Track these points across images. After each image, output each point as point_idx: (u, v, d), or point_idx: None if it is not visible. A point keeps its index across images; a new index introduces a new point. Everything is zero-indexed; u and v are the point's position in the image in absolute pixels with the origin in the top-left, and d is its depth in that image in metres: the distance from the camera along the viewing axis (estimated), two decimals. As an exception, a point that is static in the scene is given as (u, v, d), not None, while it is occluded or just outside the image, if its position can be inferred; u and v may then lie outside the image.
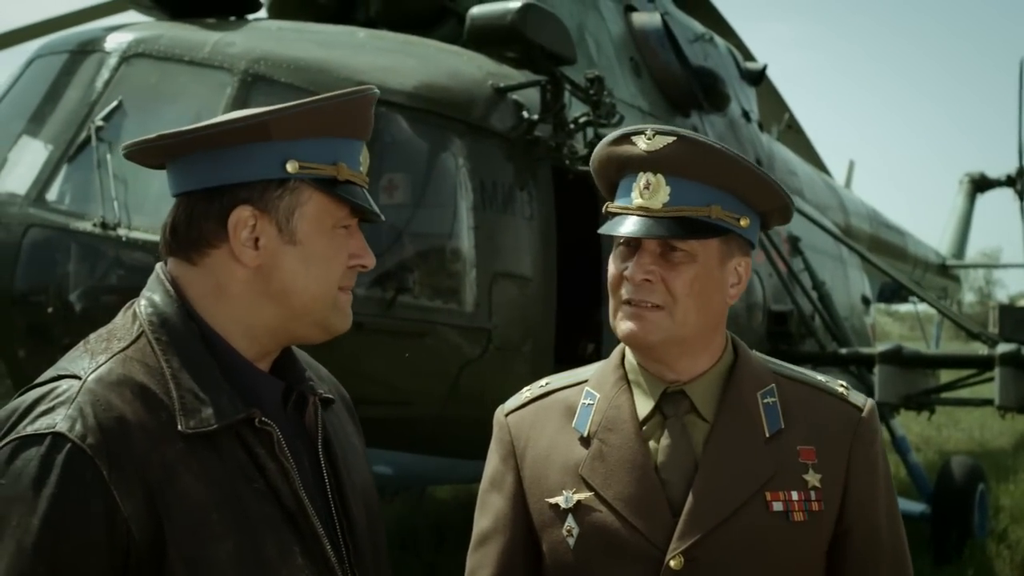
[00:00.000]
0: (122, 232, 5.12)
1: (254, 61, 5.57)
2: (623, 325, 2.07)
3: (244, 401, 1.73)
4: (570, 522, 2.08)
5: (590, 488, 2.08)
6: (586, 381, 2.23)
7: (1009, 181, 22.30)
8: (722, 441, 2.08)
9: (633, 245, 2.07)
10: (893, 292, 16.64)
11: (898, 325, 43.93)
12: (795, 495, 2.06)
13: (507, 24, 6.35)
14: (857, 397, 2.21)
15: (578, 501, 2.08)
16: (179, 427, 1.66)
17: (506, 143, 6.35)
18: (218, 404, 1.70)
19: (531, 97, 6.54)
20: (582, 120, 6.66)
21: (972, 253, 32.39)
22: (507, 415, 2.26)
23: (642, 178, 2.07)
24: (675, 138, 2.05)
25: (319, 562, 1.74)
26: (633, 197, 2.07)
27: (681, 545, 2.00)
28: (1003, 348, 8.19)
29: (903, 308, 24.47)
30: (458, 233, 5.97)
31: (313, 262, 1.79)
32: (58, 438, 1.59)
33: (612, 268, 2.11)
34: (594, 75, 6.72)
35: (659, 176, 2.05)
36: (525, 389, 2.29)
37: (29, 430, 1.61)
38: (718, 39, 10.66)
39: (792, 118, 15.18)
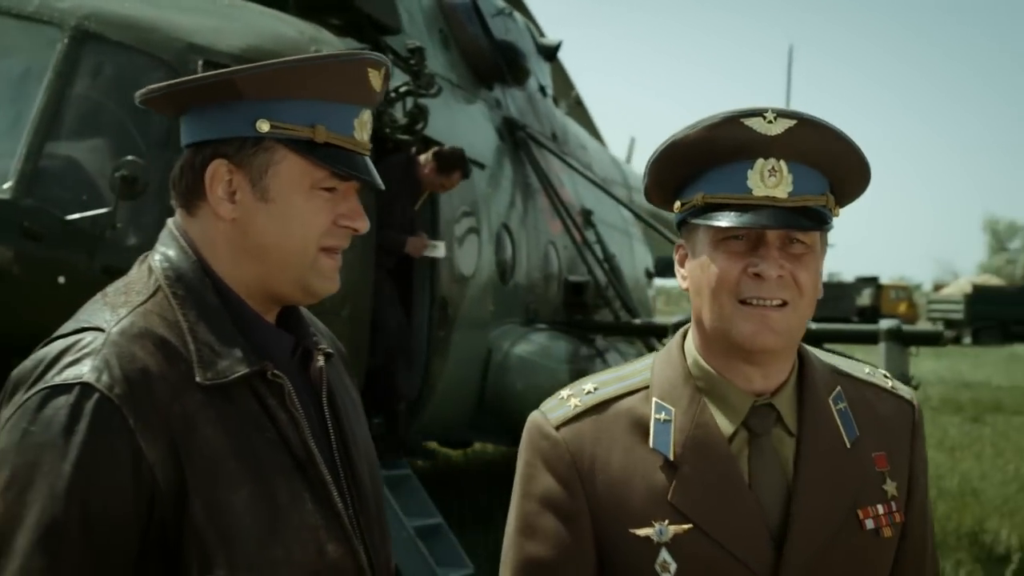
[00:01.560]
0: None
1: (84, 17, 5.41)
2: (744, 327, 1.88)
3: (257, 354, 1.79)
4: (664, 556, 1.90)
5: (685, 519, 1.90)
6: (646, 388, 2.01)
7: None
8: (812, 458, 1.94)
9: (747, 239, 1.90)
10: (664, 267, 17.33)
11: (660, 300, 45.65)
12: (880, 508, 1.97)
13: None
14: (903, 389, 2.13)
15: (675, 534, 1.90)
16: (197, 378, 1.71)
17: (328, 110, 6.41)
18: (233, 356, 1.76)
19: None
20: (403, 90, 6.78)
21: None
22: (558, 428, 1.99)
23: (763, 165, 1.89)
24: (797, 121, 1.88)
25: (326, 507, 1.81)
26: (752, 186, 1.88)
27: None
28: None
29: (669, 283, 25.40)
30: (282, 197, 6.00)
31: (285, 220, 1.82)
32: (86, 387, 1.64)
33: (720, 265, 1.90)
34: (415, 45, 6.84)
35: (781, 162, 1.89)
36: (566, 395, 2.04)
37: (57, 380, 1.65)
38: (517, 14, 10.92)
39: (578, 95, 15.62)
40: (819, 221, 1.89)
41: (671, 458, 1.92)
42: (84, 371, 1.66)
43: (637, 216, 11.37)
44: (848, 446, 1.97)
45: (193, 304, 1.79)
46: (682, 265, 2.00)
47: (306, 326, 1.98)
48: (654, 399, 1.98)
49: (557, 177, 9.94)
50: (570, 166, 10.21)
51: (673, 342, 2.05)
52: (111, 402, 1.64)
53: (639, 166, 18.42)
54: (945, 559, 7.69)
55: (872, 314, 44.51)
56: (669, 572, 1.89)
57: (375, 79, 1.88)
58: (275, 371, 1.80)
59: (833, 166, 1.93)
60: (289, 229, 1.83)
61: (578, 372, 8.53)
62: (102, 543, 1.62)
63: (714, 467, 1.91)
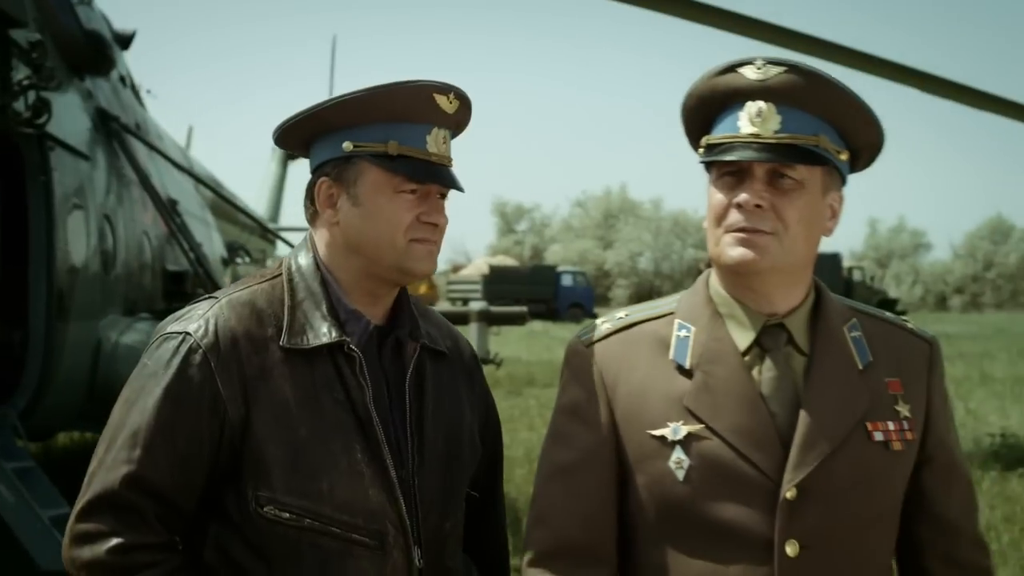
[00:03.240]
0: None
1: None
2: (731, 251, 2.07)
3: (340, 332, 2.24)
4: (678, 454, 2.08)
5: (698, 420, 2.08)
6: (671, 313, 2.22)
7: (318, 151, 23.96)
8: (823, 373, 2.11)
9: (738, 174, 2.08)
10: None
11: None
12: (891, 425, 2.12)
13: None
14: (923, 331, 2.29)
15: (688, 433, 2.08)
16: (281, 342, 2.20)
17: (-49, 102, 6.30)
18: (319, 331, 2.24)
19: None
20: (25, 83, 6.76)
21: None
22: (590, 346, 2.24)
23: (752, 106, 2.07)
24: (786, 67, 2.06)
25: (377, 461, 2.21)
26: (741, 126, 2.08)
27: (796, 476, 2.02)
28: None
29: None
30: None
31: (373, 219, 2.27)
32: (187, 336, 2.21)
33: (716, 197, 2.11)
34: (36, 39, 6.82)
35: (770, 105, 2.06)
36: (600, 321, 2.29)
37: (171, 329, 2.24)
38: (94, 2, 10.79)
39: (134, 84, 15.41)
40: (807, 158, 2.06)
41: (687, 366, 2.13)
42: (190, 324, 2.23)
43: (240, 209, 11.61)
44: (860, 368, 2.15)
45: (302, 289, 2.29)
46: None
47: (406, 320, 2.40)
48: (676, 320, 2.21)
49: (147, 168, 10.02)
50: (166, 157, 10.33)
51: (700, 278, 2.26)
52: (200, 348, 2.19)
53: (198, 154, 18.45)
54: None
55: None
56: (683, 468, 2.07)
57: (443, 102, 2.31)
58: (352, 346, 2.25)
59: (831, 112, 2.10)
60: (378, 226, 2.28)
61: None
62: (179, 450, 2.15)
63: (725, 374, 2.10)
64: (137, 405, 2.16)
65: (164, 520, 2.15)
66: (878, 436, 2.11)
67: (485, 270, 53.19)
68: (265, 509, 2.15)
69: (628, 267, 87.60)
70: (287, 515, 2.15)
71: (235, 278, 14.78)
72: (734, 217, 2.08)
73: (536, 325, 42.17)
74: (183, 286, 9.72)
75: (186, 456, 2.15)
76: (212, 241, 12.74)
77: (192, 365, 2.17)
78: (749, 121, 2.07)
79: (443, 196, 2.34)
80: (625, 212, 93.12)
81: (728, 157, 2.07)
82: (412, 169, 2.26)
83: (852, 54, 8.41)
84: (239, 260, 17.50)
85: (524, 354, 26.12)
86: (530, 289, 49.34)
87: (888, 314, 2.32)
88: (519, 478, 10.44)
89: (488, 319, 8.96)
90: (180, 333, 2.21)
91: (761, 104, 2.07)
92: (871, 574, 2.13)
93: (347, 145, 2.27)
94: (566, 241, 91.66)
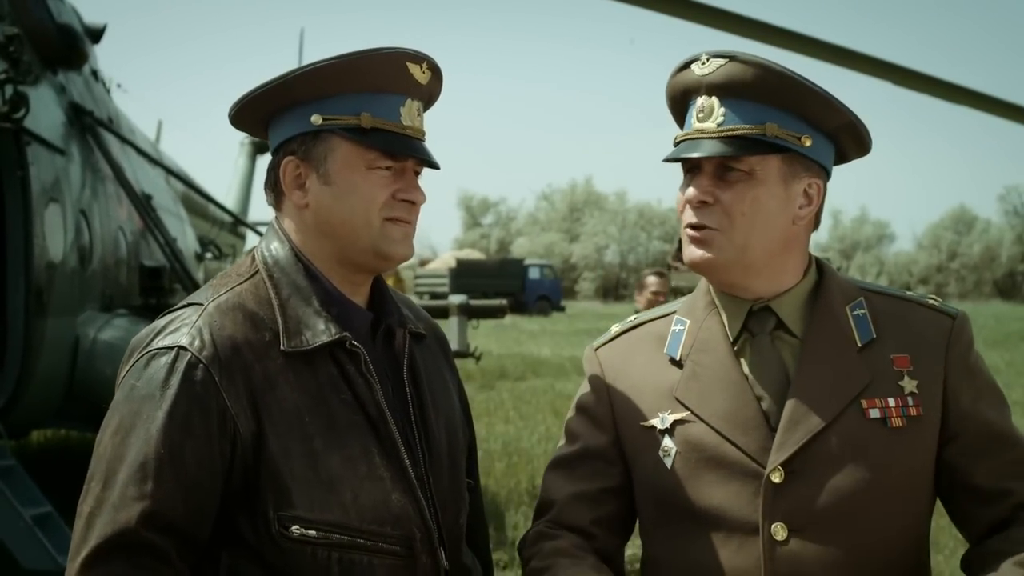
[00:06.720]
0: None
1: None
2: (686, 251, 2.11)
3: (339, 327, 2.07)
4: (666, 442, 2.11)
5: (685, 408, 2.11)
6: (675, 312, 2.27)
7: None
8: (814, 353, 2.08)
9: (693, 170, 2.10)
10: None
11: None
12: (892, 401, 2.05)
13: None
14: (949, 307, 2.20)
15: (674, 421, 2.11)
16: (281, 346, 2.03)
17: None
18: (316, 328, 2.06)
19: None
20: (2, 77, 6.67)
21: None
22: (597, 350, 2.33)
23: (698, 102, 2.09)
24: (726, 60, 2.06)
25: (394, 462, 2.06)
26: (691, 122, 2.09)
27: (780, 457, 2.01)
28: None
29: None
30: None
31: (347, 197, 2.09)
32: (181, 350, 1.97)
33: (678, 195, 2.13)
34: (14, 32, 6.75)
35: (712, 99, 2.07)
36: (614, 326, 2.35)
37: (159, 344, 2.00)
38: (63, -6, 10.68)
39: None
40: (751, 149, 2.04)
41: (678, 358, 2.18)
42: (180, 338, 1.99)
43: (214, 202, 11.54)
44: (859, 345, 2.11)
45: (286, 284, 2.11)
46: None
47: (391, 308, 2.26)
48: (676, 316, 2.26)
49: (121, 162, 9.93)
50: (140, 151, 10.23)
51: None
52: (200, 362, 1.96)
53: (167, 148, 18.26)
54: (513, 514, 8.72)
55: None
56: (670, 456, 2.11)
57: (417, 72, 2.15)
58: (353, 341, 2.08)
59: (780, 98, 2.06)
60: (351, 205, 2.11)
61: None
62: (191, 478, 1.93)
63: (713, 362, 2.13)
64: (136, 433, 1.93)
65: (183, 558, 1.95)
66: (874, 413, 2.05)
67: (452, 263, 53.05)
68: (291, 529, 1.97)
69: (594, 260, 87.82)
70: (314, 533, 1.98)
71: (207, 274, 14.72)
72: (686, 214, 2.11)
73: (504, 318, 42.00)
74: (159, 282, 9.64)
75: (198, 483, 1.94)
76: (186, 236, 12.65)
77: (194, 381, 1.95)
78: (696, 117, 2.09)
79: (418, 173, 2.19)
80: (590, 205, 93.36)
81: (674, 156, 2.11)
82: (386, 143, 2.11)
83: (817, 44, 8.39)
84: (208, 255, 17.41)
85: (494, 347, 25.85)
86: (498, 282, 49.20)
87: (911, 293, 2.26)
88: (498, 472, 10.44)
89: (468, 312, 8.95)
90: (172, 348, 1.98)
91: (704, 99, 2.09)
92: (873, 555, 2.03)
93: (316, 118, 2.10)
94: (532, 234, 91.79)
